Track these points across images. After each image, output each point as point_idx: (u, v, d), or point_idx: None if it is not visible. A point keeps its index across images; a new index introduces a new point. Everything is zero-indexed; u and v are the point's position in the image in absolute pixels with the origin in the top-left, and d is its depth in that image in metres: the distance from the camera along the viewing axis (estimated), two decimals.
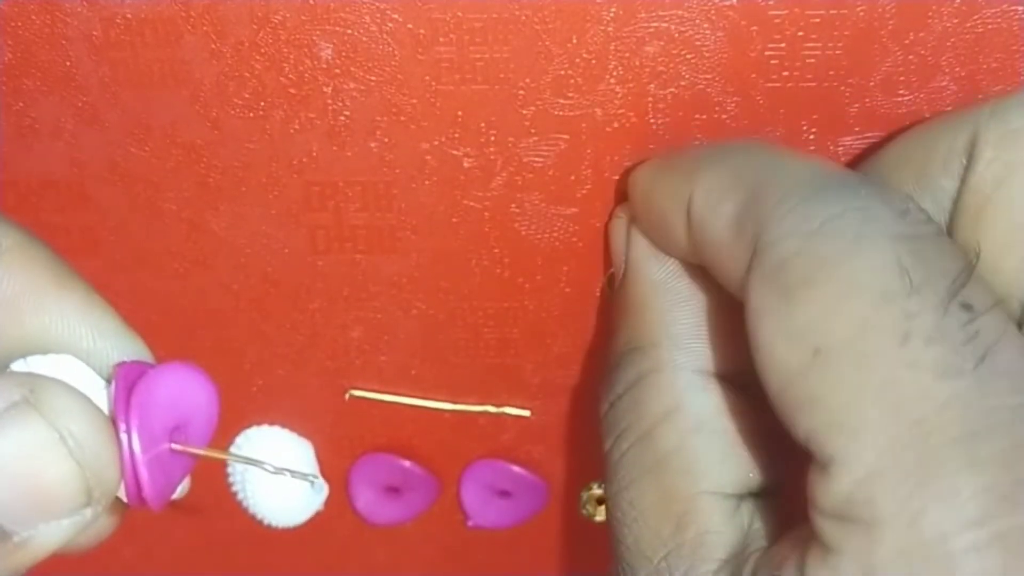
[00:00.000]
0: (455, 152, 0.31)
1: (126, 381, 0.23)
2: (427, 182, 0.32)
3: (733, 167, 0.26)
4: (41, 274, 0.24)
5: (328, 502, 0.38)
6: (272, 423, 0.37)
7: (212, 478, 0.37)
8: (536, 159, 0.31)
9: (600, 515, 0.38)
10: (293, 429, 0.37)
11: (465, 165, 0.32)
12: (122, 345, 0.24)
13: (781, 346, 0.23)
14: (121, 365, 0.23)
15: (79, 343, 0.24)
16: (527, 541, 0.39)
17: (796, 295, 0.23)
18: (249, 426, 0.37)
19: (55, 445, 0.21)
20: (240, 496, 0.37)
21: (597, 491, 0.37)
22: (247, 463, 0.28)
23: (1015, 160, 0.25)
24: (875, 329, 0.22)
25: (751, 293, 0.24)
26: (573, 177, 0.31)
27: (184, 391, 0.24)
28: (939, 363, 0.21)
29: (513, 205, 0.32)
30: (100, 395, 0.23)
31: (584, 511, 0.38)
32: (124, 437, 0.22)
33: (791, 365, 0.23)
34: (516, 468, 0.37)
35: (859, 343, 0.22)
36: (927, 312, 0.22)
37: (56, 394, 0.21)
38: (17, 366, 0.23)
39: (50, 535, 0.21)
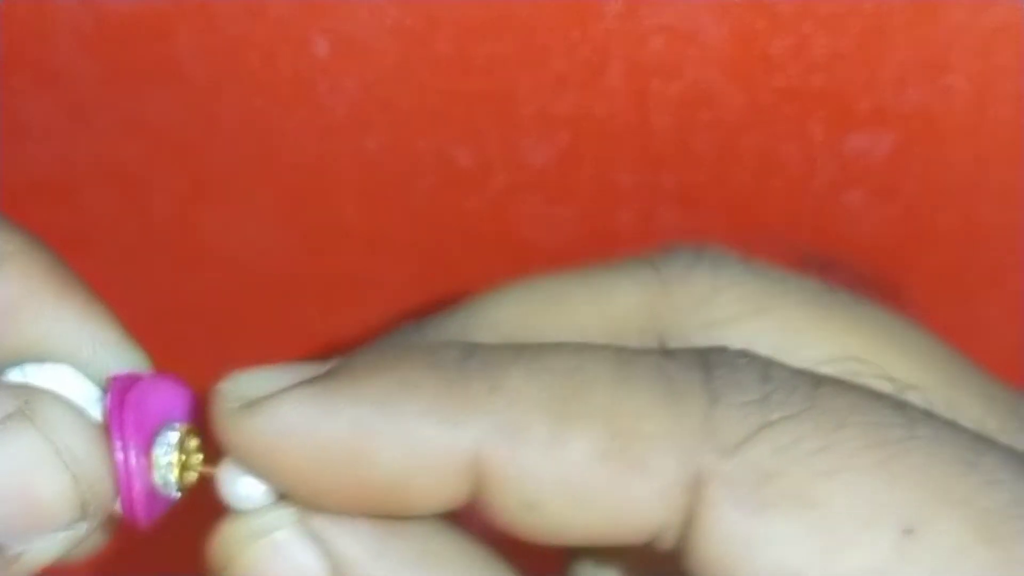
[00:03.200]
0: (453, 151, 0.31)
1: (120, 392, 0.23)
2: (424, 182, 0.32)
3: (549, 385, 0.20)
4: (42, 281, 0.23)
5: None
6: None
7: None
8: (536, 158, 0.31)
9: None
10: None
11: (463, 164, 0.31)
12: (122, 355, 0.24)
13: (856, 558, 0.19)
14: (116, 377, 0.23)
15: (78, 352, 0.24)
16: (527, 544, 0.39)
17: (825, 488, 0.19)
18: None
19: (50, 459, 0.21)
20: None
21: None
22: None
23: None
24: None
25: (733, 524, 0.19)
26: (574, 177, 0.31)
27: (176, 402, 0.24)
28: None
29: (513, 205, 0.32)
30: (95, 406, 0.23)
31: None
32: (119, 452, 0.22)
33: (887, 566, 0.19)
34: None
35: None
36: None
37: (51, 407, 0.21)
38: (13, 375, 0.23)
39: (44, 549, 0.21)
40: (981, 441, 0.20)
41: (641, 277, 0.24)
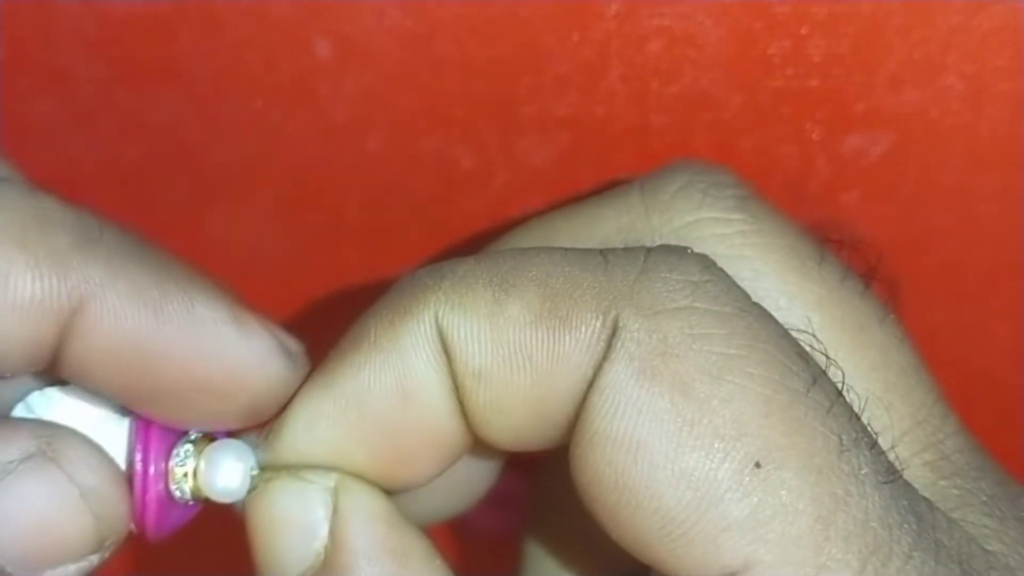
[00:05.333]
0: (454, 151, 0.31)
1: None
2: (425, 182, 0.32)
3: (492, 266, 0.21)
4: None
5: None
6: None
7: None
8: (536, 158, 0.31)
9: None
10: None
11: (464, 165, 0.31)
12: None
13: (696, 462, 0.19)
14: None
15: None
16: None
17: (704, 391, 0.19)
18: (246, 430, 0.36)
19: (74, 500, 0.21)
20: None
21: None
22: None
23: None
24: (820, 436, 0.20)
25: (617, 378, 0.20)
26: (574, 177, 0.31)
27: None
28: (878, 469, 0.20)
29: (513, 206, 0.32)
30: (120, 424, 0.23)
31: None
32: (138, 464, 0.22)
33: (717, 483, 0.19)
34: (518, 473, 0.37)
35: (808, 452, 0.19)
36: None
37: (72, 445, 0.22)
38: (34, 399, 0.23)
39: None
40: (857, 427, 0.20)
41: (625, 204, 0.24)
